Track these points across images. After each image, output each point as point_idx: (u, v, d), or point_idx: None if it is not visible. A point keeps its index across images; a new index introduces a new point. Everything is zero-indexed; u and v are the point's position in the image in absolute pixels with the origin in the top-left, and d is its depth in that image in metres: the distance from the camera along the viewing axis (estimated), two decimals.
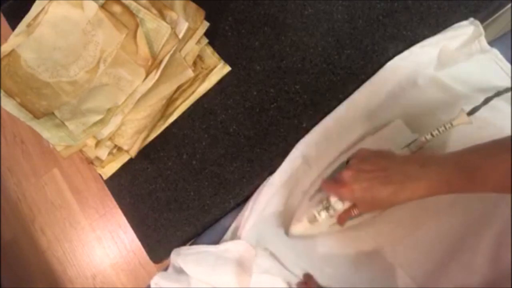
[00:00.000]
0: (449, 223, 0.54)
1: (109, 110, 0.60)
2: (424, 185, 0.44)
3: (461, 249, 0.52)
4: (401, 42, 0.60)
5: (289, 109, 0.62)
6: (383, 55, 0.61)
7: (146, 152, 0.66)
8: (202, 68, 0.64)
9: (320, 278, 0.56)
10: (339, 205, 0.51)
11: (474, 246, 0.52)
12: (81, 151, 0.63)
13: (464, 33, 0.59)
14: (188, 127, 0.65)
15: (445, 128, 0.51)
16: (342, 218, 0.53)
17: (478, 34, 0.58)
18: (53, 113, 0.60)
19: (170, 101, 0.64)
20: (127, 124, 0.62)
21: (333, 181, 0.51)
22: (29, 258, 1.48)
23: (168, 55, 0.59)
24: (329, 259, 0.57)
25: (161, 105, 0.62)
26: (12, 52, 0.59)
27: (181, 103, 0.65)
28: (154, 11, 0.57)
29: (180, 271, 0.60)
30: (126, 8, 0.57)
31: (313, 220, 0.54)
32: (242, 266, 0.56)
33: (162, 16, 0.58)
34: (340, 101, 0.60)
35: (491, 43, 0.61)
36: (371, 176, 0.47)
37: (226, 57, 0.65)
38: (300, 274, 0.56)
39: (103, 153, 0.64)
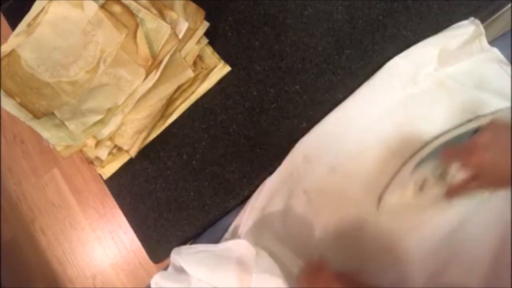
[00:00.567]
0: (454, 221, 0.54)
1: (109, 110, 0.60)
2: None
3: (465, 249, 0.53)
4: (401, 42, 0.60)
5: (289, 109, 0.62)
6: (383, 55, 0.61)
7: (146, 152, 0.66)
8: (202, 68, 0.64)
9: None
10: (459, 175, 0.47)
11: (476, 246, 0.52)
12: (81, 151, 0.63)
13: (464, 32, 0.59)
14: (188, 127, 0.65)
15: None
16: (455, 190, 0.49)
17: (478, 33, 0.58)
18: (53, 113, 0.60)
19: (170, 101, 0.64)
20: (127, 124, 0.62)
21: (457, 149, 0.48)
22: (29, 258, 1.48)
23: (168, 55, 0.59)
24: (328, 260, 0.57)
25: (161, 105, 0.62)
26: (12, 52, 0.59)
27: (181, 103, 0.65)
28: (154, 11, 0.57)
29: (180, 271, 0.60)
30: (126, 8, 0.57)
31: (418, 189, 0.50)
32: (242, 265, 0.56)
33: (162, 16, 0.58)
34: (340, 101, 0.60)
35: (491, 42, 0.61)
36: (504, 146, 0.44)
37: (226, 57, 0.65)
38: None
39: (103, 153, 0.64)
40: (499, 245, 0.51)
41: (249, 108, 0.63)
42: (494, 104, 0.57)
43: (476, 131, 0.52)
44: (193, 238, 0.66)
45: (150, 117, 0.62)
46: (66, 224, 1.47)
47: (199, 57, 0.64)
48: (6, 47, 0.59)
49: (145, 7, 0.57)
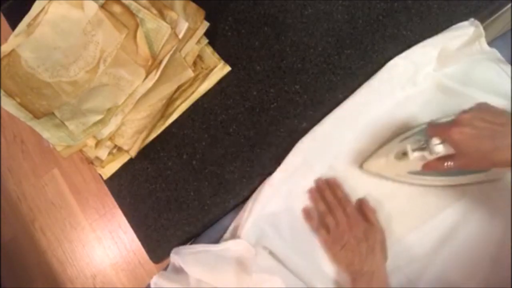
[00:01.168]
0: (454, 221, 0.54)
1: (109, 110, 0.60)
2: None
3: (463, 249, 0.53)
4: (401, 42, 0.60)
5: (289, 109, 0.62)
6: (383, 55, 0.61)
7: (146, 152, 0.66)
8: (202, 68, 0.64)
9: (319, 278, 0.56)
10: (439, 148, 0.48)
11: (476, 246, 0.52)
12: (81, 151, 0.63)
13: (464, 33, 0.59)
14: (188, 127, 0.65)
15: None
16: (433, 165, 0.50)
17: (478, 34, 0.58)
18: (53, 113, 0.60)
19: (170, 101, 0.64)
20: (127, 124, 0.62)
21: (441, 123, 0.49)
22: (29, 258, 1.48)
23: (168, 55, 0.59)
24: (325, 257, 0.57)
25: (161, 105, 0.62)
26: (12, 52, 0.59)
27: (181, 103, 0.65)
28: (154, 11, 0.57)
29: (179, 271, 0.60)
30: (126, 8, 0.57)
31: (400, 157, 0.51)
32: (242, 265, 0.56)
33: (162, 16, 0.58)
34: (340, 101, 0.60)
35: (491, 42, 0.61)
36: (486, 125, 0.45)
37: (226, 57, 0.65)
38: (299, 274, 0.56)
39: (103, 153, 0.64)
40: (497, 245, 0.51)
41: (249, 108, 0.63)
42: (493, 104, 0.57)
43: None
44: (193, 238, 0.66)
45: (150, 117, 0.62)
46: (66, 224, 1.47)
47: (199, 57, 0.64)
48: (6, 47, 0.59)
49: (145, 7, 0.57)
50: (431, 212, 0.56)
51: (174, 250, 0.61)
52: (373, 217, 0.55)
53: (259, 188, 0.61)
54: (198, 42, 0.62)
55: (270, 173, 0.61)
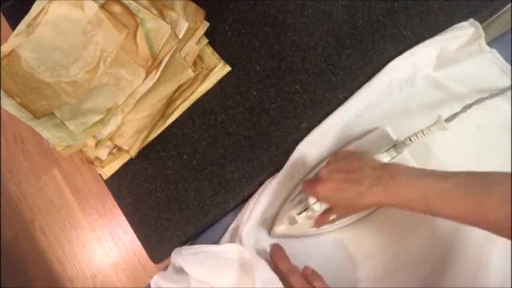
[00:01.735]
0: (441, 225, 0.54)
1: (109, 110, 0.60)
2: (388, 195, 0.44)
3: (455, 251, 0.53)
4: (401, 42, 0.60)
5: (289, 109, 0.62)
6: (383, 55, 0.61)
7: (146, 152, 0.66)
8: (202, 68, 0.64)
9: None
10: (317, 207, 0.51)
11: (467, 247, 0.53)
12: (81, 151, 0.63)
13: (464, 34, 0.59)
14: (188, 127, 0.65)
15: (423, 134, 0.50)
16: (319, 221, 0.53)
17: (478, 35, 0.58)
18: (53, 113, 0.60)
19: (170, 101, 0.64)
20: (127, 124, 0.62)
21: (312, 181, 0.52)
22: (29, 258, 1.48)
23: (168, 55, 0.59)
24: (325, 262, 0.57)
25: (161, 105, 0.62)
26: (12, 52, 0.59)
27: (181, 103, 0.65)
28: (154, 11, 0.57)
29: (180, 271, 0.60)
30: (126, 8, 0.57)
31: (293, 221, 0.54)
32: (243, 267, 0.56)
33: (162, 16, 0.58)
34: (340, 101, 0.60)
35: (491, 43, 0.61)
36: (343, 176, 0.47)
37: (226, 57, 0.65)
38: None
39: (103, 153, 0.64)
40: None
41: (249, 108, 0.63)
42: (493, 105, 0.57)
43: None
44: (193, 238, 0.66)
45: (150, 117, 0.62)
46: (66, 224, 1.47)
47: (199, 57, 0.64)
48: (6, 47, 0.59)
49: (145, 7, 0.57)
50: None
51: (175, 250, 0.61)
52: (320, 285, 0.53)
53: (259, 189, 0.61)
54: (198, 42, 0.62)
55: (270, 173, 0.61)
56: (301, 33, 0.63)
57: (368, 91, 0.59)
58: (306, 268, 0.53)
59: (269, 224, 0.60)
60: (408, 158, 0.52)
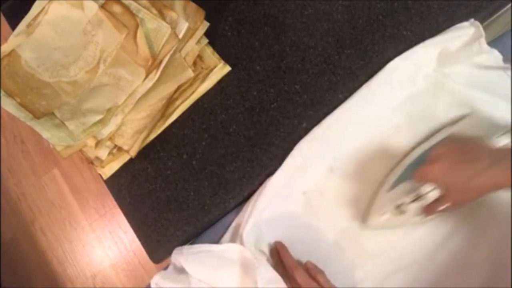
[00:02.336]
0: (450, 226, 0.54)
1: (109, 110, 0.60)
2: (509, 176, 0.40)
3: (461, 251, 0.53)
4: (401, 42, 0.60)
5: (289, 109, 0.62)
6: (383, 55, 0.61)
7: (146, 152, 0.66)
8: (202, 68, 0.64)
9: None
10: (432, 195, 0.47)
11: (474, 247, 0.52)
12: (81, 151, 0.63)
13: (464, 34, 0.59)
14: (188, 127, 0.65)
15: None
16: (430, 209, 0.49)
17: (478, 35, 0.58)
18: (53, 113, 0.60)
19: (170, 101, 0.64)
20: (127, 124, 0.62)
21: (422, 168, 0.48)
22: (29, 258, 1.48)
23: (168, 55, 0.59)
24: (330, 261, 0.57)
25: (161, 105, 0.62)
26: (12, 52, 0.59)
27: (181, 103, 0.65)
28: (154, 11, 0.57)
29: (180, 271, 0.60)
30: (126, 8, 0.57)
31: (398, 212, 0.51)
32: (244, 267, 0.56)
33: (162, 16, 0.58)
34: (340, 101, 0.60)
35: (491, 43, 0.61)
36: (458, 156, 0.44)
37: (226, 57, 0.65)
38: None
39: (103, 153, 0.64)
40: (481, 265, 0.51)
41: (249, 108, 0.63)
42: (494, 105, 0.57)
43: None
44: (193, 238, 0.66)
45: (150, 117, 0.62)
46: (66, 224, 1.47)
47: (199, 57, 0.64)
48: (6, 47, 0.59)
49: (145, 7, 0.57)
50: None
51: (176, 250, 0.61)
52: (322, 279, 0.52)
53: (259, 189, 0.61)
54: (198, 42, 0.62)
55: (270, 173, 0.61)
56: (301, 33, 0.63)
57: (368, 91, 0.59)
58: (308, 262, 0.53)
59: (279, 226, 0.58)
60: None
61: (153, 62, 0.58)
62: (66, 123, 0.60)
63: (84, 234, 1.46)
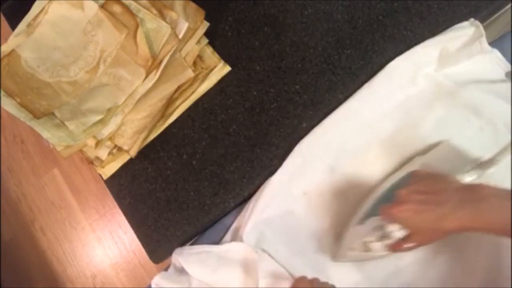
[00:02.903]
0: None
1: (109, 110, 0.60)
2: (476, 219, 0.41)
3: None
4: (401, 42, 0.60)
5: (289, 109, 0.62)
6: (383, 55, 0.61)
7: (146, 152, 0.66)
8: (202, 68, 0.64)
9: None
10: (397, 234, 0.47)
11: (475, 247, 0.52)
12: (81, 151, 0.63)
13: (465, 34, 0.59)
14: (188, 127, 0.65)
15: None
16: (396, 247, 0.49)
17: (479, 35, 0.58)
18: (53, 113, 0.60)
19: (170, 101, 0.64)
20: (127, 124, 0.62)
21: (387, 205, 0.48)
22: (29, 258, 1.48)
23: (168, 55, 0.59)
24: (331, 262, 0.57)
25: (161, 105, 0.62)
26: (12, 52, 0.59)
27: (181, 103, 0.65)
28: (154, 11, 0.57)
29: (181, 271, 0.60)
30: (126, 8, 0.57)
31: (367, 249, 0.51)
32: (245, 267, 0.56)
33: (162, 16, 0.58)
34: (340, 101, 0.60)
35: (491, 43, 0.61)
36: (424, 197, 0.44)
37: (226, 57, 0.65)
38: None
39: (103, 153, 0.64)
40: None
41: (249, 108, 0.63)
42: (494, 105, 0.57)
43: None
44: (193, 238, 0.66)
45: (150, 117, 0.62)
46: (66, 224, 1.47)
47: (199, 57, 0.64)
48: (6, 47, 0.59)
49: (145, 7, 0.57)
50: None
51: (176, 250, 0.61)
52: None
53: (259, 190, 0.61)
54: (198, 42, 0.62)
55: (270, 173, 0.61)
56: (301, 33, 0.63)
57: (368, 91, 0.59)
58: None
59: (279, 226, 0.58)
60: (495, 178, 0.49)
61: (153, 62, 0.58)
62: (66, 123, 0.60)
63: (84, 234, 1.46)
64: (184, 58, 0.61)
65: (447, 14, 0.60)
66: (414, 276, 0.54)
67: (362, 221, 0.53)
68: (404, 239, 0.48)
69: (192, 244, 0.64)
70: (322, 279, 0.55)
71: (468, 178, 0.49)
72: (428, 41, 0.59)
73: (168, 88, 0.61)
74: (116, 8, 0.57)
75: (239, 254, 0.57)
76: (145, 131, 0.63)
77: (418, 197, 0.45)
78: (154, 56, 0.58)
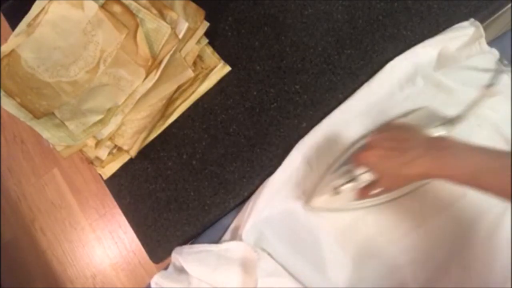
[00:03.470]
0: (450, 223, 0.54)
1: (109, 110, 0.60)
2: (436, 166, 0.43)
3: (461, 249, 0.53)
4: (401, 42, 0.60)
5: (289, 109, 0.62)
6: (383, 55, 0.61)
7: (146, 152, 0.66)
8: (202, 68, 0.64)
9: (321, 281, 0.56)
10: (364, 177, 0.49)
11: (473, 246, 0.52)
12: (81, 151, 0.63)
13: (464, 34, 0.59)
14: (188, 127, 0.65)
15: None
16: (363, 193, 0.52)
17: (478, 35, 0.58)
18: (53, 113, 0.60)
19: (170, 101, 0.64)
20: (127, 124, 0.62)
21: (360, 152, 0.50)
22: (29, 258, 1.48)
23: (168, 55, 0.59)
24: (330, 261, 0.57)
25: (161, 105, 0.62)
26: (12, 52, 0.59)
27: (181, 103, 0.65)
28: (154, 11, 0.57)
29: (180, 271, 0.60)
30: (126, 8, 0.57)
31: (336, 192, 0.53)
32: (244, 266, 0.56)
33: (162, 16, 0.58)
34: (340, 101, 0.60)
35: (491, 43, 0.61)
36: (392, 144, 0.46)
37: (226, 57, 0.65)
38: (300, 277, 0.56)
39: (103, 153, 0.64)
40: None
41: (249, 108, 0.63)
42: (493, 104, 0.57)
43: None
44: (193, 238, 0.66)
45: (150, 117, 0.62)
46: (66, 224, 1.47)
47: (199, 57, 0.64)
48: (6, 47, 0.59)
49: (145, 7, 0.58)
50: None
51: (176, 249, 0.61)
52: None
53: (259, 189, 0.61)
54: (198, 42, 0.62)
55: (270, 173, 0.61)
56: (301, 33, 0.63)
57: (368, 91, 0.59)
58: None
59: (279, 225, 0.59)
60: (462, 135, 0.50)
61: (153, 62, 0.58)
62: (66, 123, 0.60)
63: (84, 234, 1.46)
64: (184, 58, 0.61)
65: (447, 14, 0.60)
66: (409, 276, 0.54)
67: (336, 170, 0.55)
68: (371, 185, 0.50)
69: (192, 244, 0.64)
70: (321, 278, 0.55)
71: (437, 133, 0.51)
72: (428, 41, 0.59)
73: (168, 88, 0.61)
74: (116, 8, 0.57)
75: (238, 253, 0.57)
76: (145, 131, 0.63)
77: (387, 143, 0.47)
78: (154, 56, 0.58)
